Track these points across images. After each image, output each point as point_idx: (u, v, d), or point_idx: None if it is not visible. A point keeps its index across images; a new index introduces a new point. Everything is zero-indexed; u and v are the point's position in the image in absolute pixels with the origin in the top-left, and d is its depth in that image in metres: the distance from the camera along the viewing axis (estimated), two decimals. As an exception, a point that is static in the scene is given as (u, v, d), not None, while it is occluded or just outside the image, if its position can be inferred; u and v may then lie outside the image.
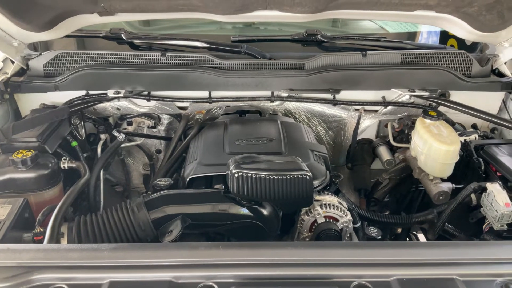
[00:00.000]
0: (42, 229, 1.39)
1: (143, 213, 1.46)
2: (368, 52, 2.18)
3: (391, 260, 1.08)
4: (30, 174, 1.67)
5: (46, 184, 1.70)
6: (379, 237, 1.71)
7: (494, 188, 1.66)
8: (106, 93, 2.11)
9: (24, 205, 1.50)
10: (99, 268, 1.05)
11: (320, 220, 1.59)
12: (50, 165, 1.72)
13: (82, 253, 1.09)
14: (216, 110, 2.27)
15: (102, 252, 1.08)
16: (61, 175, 1.79)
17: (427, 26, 2.98)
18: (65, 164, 1.79)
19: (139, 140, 2.29)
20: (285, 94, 2.16)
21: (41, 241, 1.35)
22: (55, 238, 1.33)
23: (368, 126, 2.31)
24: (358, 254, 1.10)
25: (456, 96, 2.19)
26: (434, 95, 2.14)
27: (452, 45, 2.87)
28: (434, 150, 1.85)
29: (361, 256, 1.09)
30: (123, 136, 2.05)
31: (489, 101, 2.23)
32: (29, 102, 2.15)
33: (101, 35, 2.31)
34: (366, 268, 1.06)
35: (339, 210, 1.61)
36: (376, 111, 2.28)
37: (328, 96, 2.17)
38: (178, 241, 1.43)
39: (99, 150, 2.09)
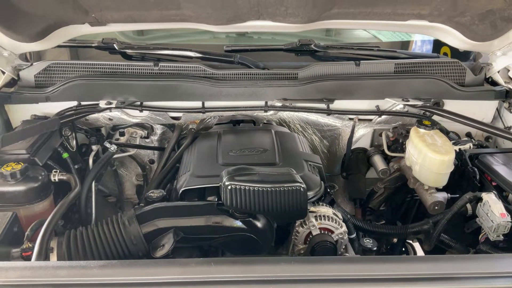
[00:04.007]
0: (31, 245, 1.36)
1: (134, 227, 1.43)
2: (361, 61, 2.18)
3: (386, 275, 1.06)
4: (20, 187, 1.63)
5: (36, 197, 1.67)
6: (375, 248, 1.69)
7: (490, 198, 1.64)
8: (98, 104, 2.08)
9: (13, 219, 1.47)
10: (88, 286, 1.03)
11: (315, 232, 1.57)
12: (40, 177, 1.69)
13: (70, 270, 1.06)
14: (209, 120, 2.25)
15: (91, 269, 1.06)
16: (51, 188, 1.76)
17: (421, 34, 2.98)
18: (56, 176, 1.76)
19: (132, 151, 2.26)
20: (279, 104, 2.15)
21: (29, 257, 1.31)
22: (44, 254, 1.30)
23: (362, 135, 2.30)
24: (352, 270, 1.08)
25: (450, 105, 2.19)
26: (428, 104, 2.13)
27: (445, 53, 2.88)
28: (429, 160, 1.84)
29: (356, 272, 1.07)
30: (115, 147, 2.02)
31: (483, 110, 2.22)
32: (20, 113, 2.11)
33: (93, 45, 2.29)
34: (361, 284, 1.05)
35: (334, 221, 1.60)
36: (370, 120, 2.27)
37: (322, 105, 2.16)
38: (171, 255, 1.40)
39: (90, 161, 2.06)
